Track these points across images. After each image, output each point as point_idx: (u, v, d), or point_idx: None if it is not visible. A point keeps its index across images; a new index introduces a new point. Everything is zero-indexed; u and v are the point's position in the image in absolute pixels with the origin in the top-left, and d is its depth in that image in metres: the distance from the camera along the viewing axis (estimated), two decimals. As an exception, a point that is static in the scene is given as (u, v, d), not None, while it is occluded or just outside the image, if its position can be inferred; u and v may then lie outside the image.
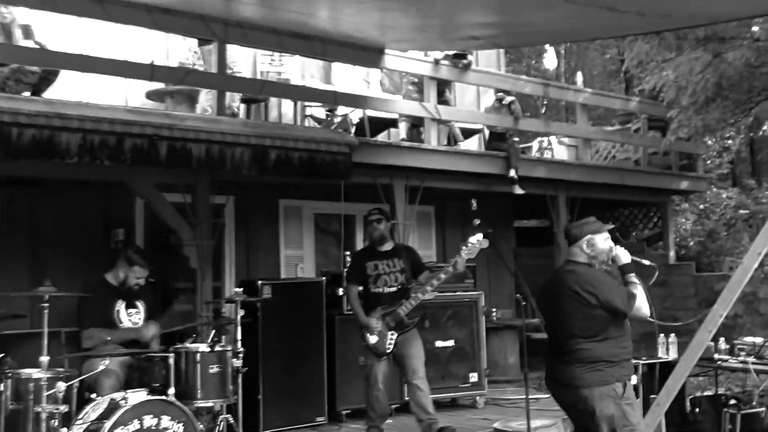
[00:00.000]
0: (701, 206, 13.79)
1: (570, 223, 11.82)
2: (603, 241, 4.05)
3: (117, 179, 6.27)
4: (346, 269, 6.55)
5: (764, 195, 14.39)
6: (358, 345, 6.92)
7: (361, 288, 5.99)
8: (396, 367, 6.07)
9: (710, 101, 8.39)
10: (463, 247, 5.75)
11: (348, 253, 7.41)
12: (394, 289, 5.93)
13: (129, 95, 7.30)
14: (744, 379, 7.87)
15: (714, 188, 14.42)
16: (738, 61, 8.06)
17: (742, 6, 6.06)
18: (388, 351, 5.85)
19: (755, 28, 8.13)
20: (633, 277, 3.99)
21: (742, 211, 13.61)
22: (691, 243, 12.94)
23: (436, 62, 8.00)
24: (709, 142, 14.28)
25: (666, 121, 9.59)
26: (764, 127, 16.59)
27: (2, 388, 4.48)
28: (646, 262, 4.30)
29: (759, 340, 6.80)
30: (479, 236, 5.68)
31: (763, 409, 6.74)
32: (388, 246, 6.08)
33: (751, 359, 6.49)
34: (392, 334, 5.85)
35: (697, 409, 6.93)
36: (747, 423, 6.55)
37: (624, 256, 4.05)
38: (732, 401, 6.82)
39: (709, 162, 14.55)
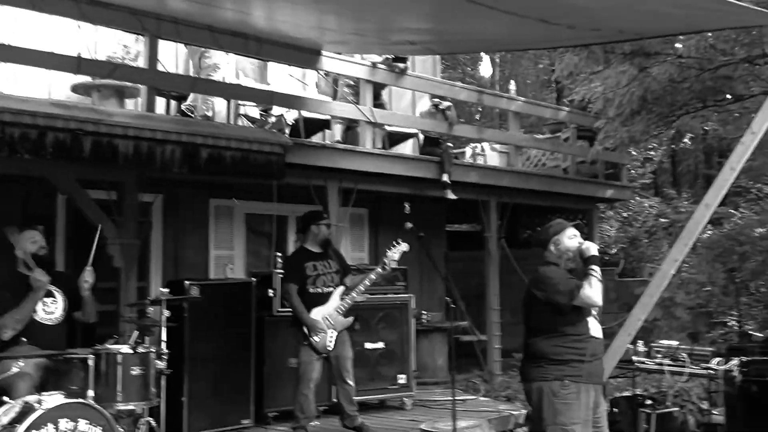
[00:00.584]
0: (625, 214, 14.24)
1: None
2: (568, 239, 4.25)
3: (38, 174, 6.06)
4: (281, 269, 6.56)
5: (683, 205, 14.94)
6: (287, 346, 6.92)
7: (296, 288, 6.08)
8: (325, 367, 6.19)
9: (635, 113, 8.67)
10: (388, 251, 6.07)
11: (279, 254, 7.37)
12: (331, 289, 6.12)
13: (53, 88, 7.08)
14: (660, 380, 8.16)
15: (637, 197, 14.89)
16: (662, 76, 8.36)
17: (667, 23, 6.29)
18: (329, 349, 6.04)
19: (678, 45, 8.43)
20: (593, 269, 4.11)
21: (662, 220, 14.13)
22: (614, 250, 13.35)
23: (374, 65, 8.02)
24: (633, 153, 14.75)
25: (594, 131, 9.86)
26: (685, 140, 17.27)
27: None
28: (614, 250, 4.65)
29: (674, 343, 7.13)
30: (404, 244, 6.06)
31: (676, 408, 7.03)
32: (320, 248, 6.23)
33: (666, 361, 6.79)
34: (332, 333, 6.06)
35: (615, 409, 7.16)
36: (661, 422, 6.82)
37: (591, 249, 4.21)
38: (648, 401, 7.09)
39: (632, 172, 15.01)
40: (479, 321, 9.65)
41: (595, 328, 4.23)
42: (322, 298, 6.08)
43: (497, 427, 7.20)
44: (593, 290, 4.04)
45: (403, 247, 6.09)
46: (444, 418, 6.38)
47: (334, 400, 7.04)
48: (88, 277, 5.18)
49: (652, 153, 16.42)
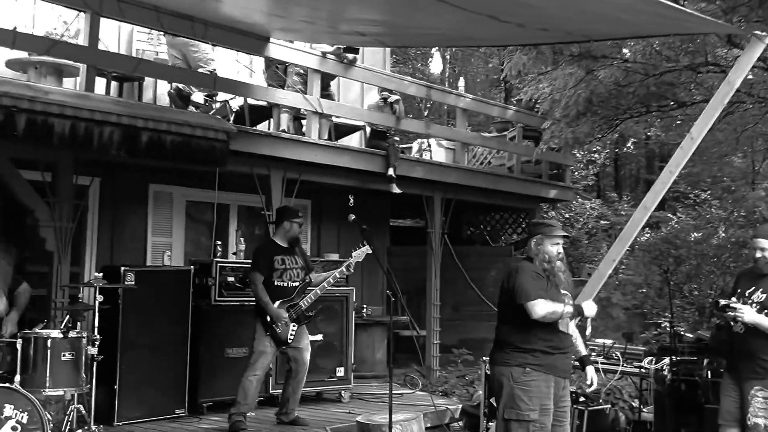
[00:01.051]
0: (567, 215, 14.45)
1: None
2: (551, 245, 4.35)
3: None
4: (251, 259, 6.50)
5: (624, 208, 15.27)
6: (225, 336, 6.84)
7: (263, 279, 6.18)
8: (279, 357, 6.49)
9: (581, 115, 8.76)
10: (354, 252, 6.34)
11: (219, 242, 7.27)
12: (296, 283, 6.28)
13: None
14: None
15: (579, 198, 15.15)
16: (608, 79, 8.48)
17: (614, 27, 6.38)
18: (290, 341, 6.19)
19: (625, 50, 8.56)
20: (572, 306, 4.33)
21: (603, 222, 14.40)
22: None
23: (323, 55, 7.93)
24: (578, 155, 14.99)
25: (539, 131, 9.95)
26: (628, 144, 17.64)
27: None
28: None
29: (609, 342, 7.25)
30: (367, 246, 6.29)
31: (608, 406, 7.15)
32: (287, 244, 6.35)
33: (600, 359, 6.90)
34: (294, 326, 6.21)
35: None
36: (593, 419, 6.92)
37: (587, 312, 4.41)
38: (581, 398, 7.19)
39: (576, 173, 15.27)
40: (419, 316, 9.68)
41: (565, 324, 4.37)
42: (287, 292, 6.20)
43: (433, 420, 7.24)
44: (546, 309, 4.17)
45: (367, 249, 6.28)
46: (381, 411, 6.37)
47: (271, 392, 7.00)
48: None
49: (595, 156, 16.72)
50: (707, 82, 8.60)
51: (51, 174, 6.24)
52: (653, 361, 6.58)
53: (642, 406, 7.04)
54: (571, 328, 4.53)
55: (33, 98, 5.42)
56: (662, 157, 16.27)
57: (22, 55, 6.57)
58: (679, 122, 10.08)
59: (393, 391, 5.34)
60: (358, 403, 7.45)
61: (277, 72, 8.05)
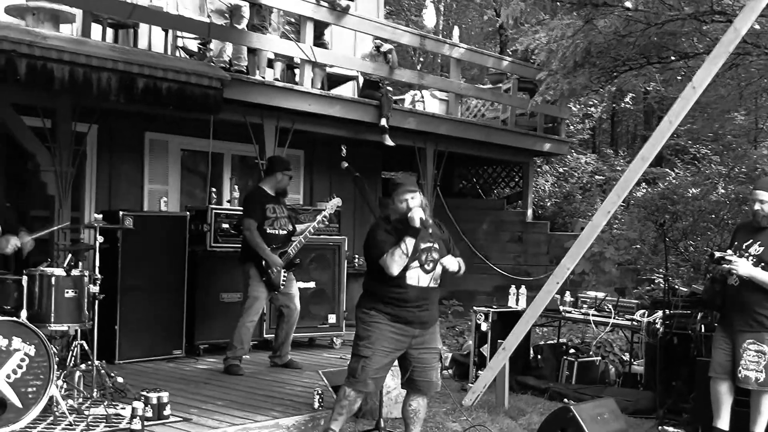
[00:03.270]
0: (561, 169, 14.49)
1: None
2: (399, 201, 4.42)
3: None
4: (242, 205, 6.65)
5: (620, 163, 15.22)
6: (220, 282, 6.99)
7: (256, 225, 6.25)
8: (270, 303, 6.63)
9: (578, 66, 8.59)
10: (326, 204, 6.72)
11: (214, 189, 7.36)
12: (285, 232, 6.40)
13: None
14: (584, 332, 8.46)
15: (574, 153, 15.16)
16: (607, 29, 8.28)
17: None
18: (282, 287, 6.35)
19: (627, -1, 8.37)
20: (404, 241, 4.30)
21: (598, 177, 14.42)
22: (549, 204, 13.62)
23: (317, 2, 7.93)
24: (574, 109, 14.93)
25: (535, 83, 9.93)
26: (626, 100, 17.52)
27: None
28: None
29: (601, 294, 7.32)
30: (337, 198, 6.78)
31: (598, 358, 7.30)
32: (274, 193, 6.46)
33: (592, 311, 7.01)
34: (285, 272, 6.36)
35: (539, 356, 7.42)
36: (583, 370, 7.09)
37: (414, 221, 4.31)
38: (571, 350, 7.35)
39: (571, 127, 15.24)
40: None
41: (414, 277, 4.40)
42: (278, 239, 6.32)
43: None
44: (392, 261, 4.29)
45: (337, 201, 6.68)
46: (372, 356, 6.56)
47: (265, 336, 7.18)
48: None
49: (592, 110, 16.62)
50: (711, 33, 8.32)
51: (51, 121, 6.33)
52: (645, 315, 6.63)
53: (632, 360, 7.12)
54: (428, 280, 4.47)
55: (32, 43, 5.50)
56: (661, 113, 16.15)
57: (21, 1, 6.57)
58: (680, 78, 9.86)
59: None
60: (349, 349, 7.50)
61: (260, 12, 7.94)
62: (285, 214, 6.46)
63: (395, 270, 4.31)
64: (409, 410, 4.68)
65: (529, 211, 11.29)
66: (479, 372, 6.76)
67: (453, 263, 4.52)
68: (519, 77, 10.65)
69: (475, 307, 7.38)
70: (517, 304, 7.48)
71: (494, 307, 7.37)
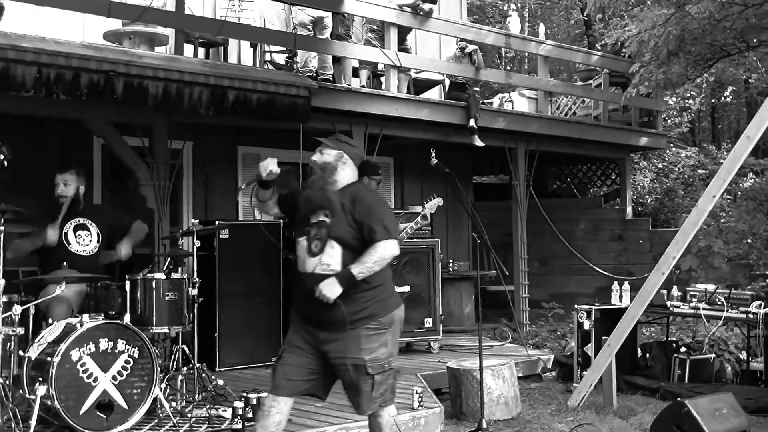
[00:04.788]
0: (660, 164, 13.95)
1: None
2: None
3: (74, 116, 6.16)
4: None
5: (723, 156, 14.52)
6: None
7: None
8: None
9: (672, 55, 8.31)
10: (426, 203, 6.44)
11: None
12: None
13: (86, 37, 7.15)
14: (695, 330, 8.07)
15: (673, 147, 14.58)
16: (701, 14, 8.00)
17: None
18: None
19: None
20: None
21: (700, 171, 13.80)
22: (649, 200, 13.12)
23: (400, 8, 7.95)
24: (670, 102, 14.38)
25: (627, 76, 9.64)
26: (726, 93, 16.74)
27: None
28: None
29: (711, 287, 6.91)
30: (438, 198, 6.46)
31: (712, 355, 6.91)
32: None
33: (702, 305, 6.64)
34: None
35: (647, 355, 7.11)
36: (696, 369, 6.73)
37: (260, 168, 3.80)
38: (682, 348, 6.99)
39: (669, 121, 14.68)
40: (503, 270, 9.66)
41: (302, 259, 3.61)
42: None
43: (524, 370, 7.24)
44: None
45: (439, 200, 6.39)
46: (470, 359, 6.45)
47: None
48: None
49: (689, 102, 15.96)
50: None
51: (148, 139, 6.56)
52: (762, 305, 6.25)
53: (750, 357, 6.73)
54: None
55: (129, 62, 5.71)
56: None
57: (117, 25, 6.88)
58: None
59: (483, 344, 5.37)
60: (447, 354, 7.51)
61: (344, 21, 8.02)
62: None
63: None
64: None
65: (629, 209, 10.89)
66: (584, 372, 6.57)
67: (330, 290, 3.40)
68: (610, 71, 10.33)
69: (577, 306, 7.18)
70: (620, 302, 7.24)
71: (596, 304, 7.16)
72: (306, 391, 3.62)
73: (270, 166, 3.69)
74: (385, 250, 3.50)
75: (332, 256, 3.49)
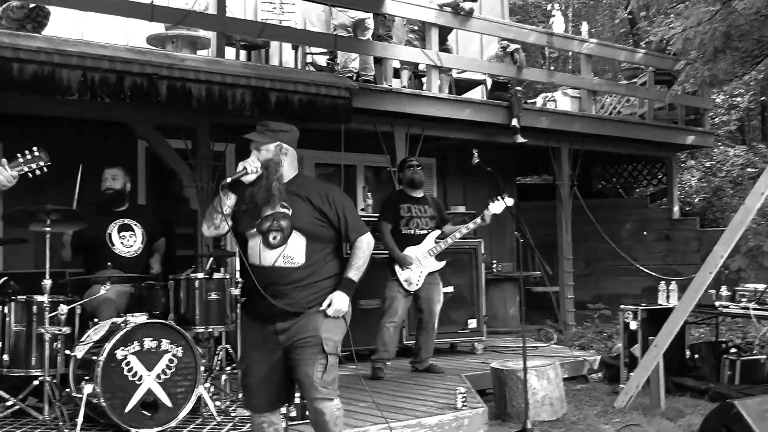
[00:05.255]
0: (707, 163, 13.66)
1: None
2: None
3: (118, 119, 6.26)
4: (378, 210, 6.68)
5: (774, 153, 14.18)
6: (358, 288, 6.95)
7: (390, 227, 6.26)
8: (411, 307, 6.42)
9: (719, 52, 8.19)
10: (491, 204, 6.10)
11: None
12: (424, 232, 6.31)
13: (129, 41, 7.27)
14: (745, 331, 7.87)
15: (721, 145, 14.26)
16: (747, 10, 7.86)
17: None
18: (417, 287, 6.25)
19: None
20: (221, 194, 3.44)
21: (750, 170, 13.48)
22: (696, 200, 12.85)
23: (440, 8, 7.92)
24: (717, 100, 14.07)
25: (673, 74, 9.49)
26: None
27: (6, 311, 4.59)
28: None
29: (761, 286, 6.74)
30: (509, 198, 6.06)
31: (763, 356, 6.72)
32: (419, 193, 6.44)
33: (752, 305, 6.47)
34: (421, 273, 6.25)
35: (696, 356, 6.95)
36: (747, 370, 6.55)
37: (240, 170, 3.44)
38: (732, 349, 6.82)
39: (716, 120, 14.36)
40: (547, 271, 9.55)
41: (255, 253, 3.38)
42: (414, 239, 6.26)
43: (570, 371, 7.14)
44: (205, 219, 3.44)
45: (508, 201, 6.04)
46: (515, 359, 6.38)
47: (405, 343, 7.12)
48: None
49: (737, 99, 15.61)
50: None
51: (191, 141, 6.64)
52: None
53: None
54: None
55: (171, 65, 5.79)
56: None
57: (160, 29, 6.98)
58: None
59: (528, 345, 5.30)
60: (491, 355, 7.45)
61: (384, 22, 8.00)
62: (427, 214, 6.37)
63: (206, 231, 3.45)
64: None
65: (676, 208, 10.68)
66: (630, 373, 6.45)
67: (343, 304, 3.38)
68: (655, 69, 10.15)
69: (622, 306, 7.07)
70: (667, 302, 7.11)
71: (643, 305, 7.04)
72: (286, 397, 3.57)
73: (256, 163, 3.44)
74: (368, 246, 3.51)
75: (296, 248, 3.36)
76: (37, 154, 3.66)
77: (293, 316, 3.33)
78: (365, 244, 3.50)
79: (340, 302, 3.38)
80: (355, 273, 3.45)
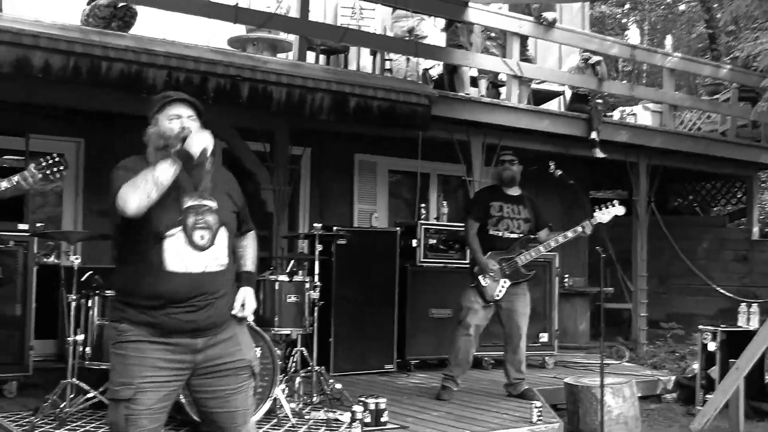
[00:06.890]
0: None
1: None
2: (168, 121, 2.91)
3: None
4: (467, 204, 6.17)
5: None
6: (429, 297, 6.95)
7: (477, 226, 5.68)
8: (495, 319, 5.76)
9: (808, 70, 7.95)
10: (597, 212, 5.49)
11: (423, 205, 7.40)
12: (515, 235, 5.66)
13: (210, 42, 7.39)
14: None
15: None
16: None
17: None
18: (497, 298, 5.61)
19: None
20: (164, 162, 2.73)
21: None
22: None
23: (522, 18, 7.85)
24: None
25: (757, 91, 9.20)
26: None
27: (90, 305, 4.69)
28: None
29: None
30: (619, 206, 5.49)
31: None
32: (515, 191, 5.82)
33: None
34: (504, 282, 5.61)
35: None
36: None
37: (193, 147, 2.79)
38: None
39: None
40: (623, 289, 9.34)
41: (175, 256, 2.67)
42: (501, 242, 5.63)
43: (643, 390, 6.96)
44: (131, 189, 2.62)
45: (618, 210, 5.47)
46: (588, 375, 6.24)
47: (475, 354, 6.96)
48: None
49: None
50: None
51: (269, 144, 6.70)
52: None
53: None
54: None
55: (254, 67, 5.83)
56: None
57: (242, 32, 7.08)
58: None
59: (603, 360, 5.11)
60: (562, 370, 7.31)
61: (456, 31, 7.91)
62: (521, 216, 5.69)
63: (132, 204, 2.60)
64: None
65: (755, 229, 10.31)
66: (707, 396, 6.26)
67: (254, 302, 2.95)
68: (739, 86, 9.84)
69: (701, 327, 6.86)
70: (747, 324, 6.88)
71: (721, 326, 6.82)
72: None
73: (208, 142, 2.82)
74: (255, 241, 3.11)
75: (222, 248, 2.79)
76: (57, 159, 3.74)
77: (218, 331, 2.79)
78: (254, 233, 3.09)
79: (253, 301, 2.95)
80: (253, 265, 3.03)
